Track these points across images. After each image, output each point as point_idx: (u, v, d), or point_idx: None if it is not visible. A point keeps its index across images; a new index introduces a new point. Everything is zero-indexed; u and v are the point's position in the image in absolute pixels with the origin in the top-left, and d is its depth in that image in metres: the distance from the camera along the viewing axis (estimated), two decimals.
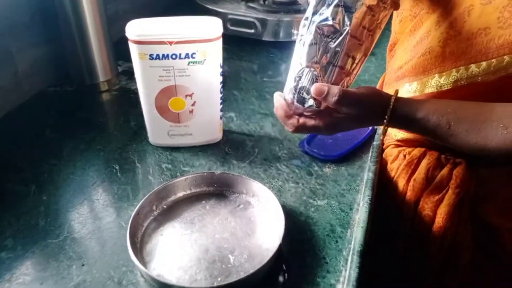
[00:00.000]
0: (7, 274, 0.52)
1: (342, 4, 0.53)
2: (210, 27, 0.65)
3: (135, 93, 0.88)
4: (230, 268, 0.52)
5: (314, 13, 0.56)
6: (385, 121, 0.57)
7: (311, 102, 0.58)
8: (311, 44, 0.56)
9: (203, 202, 0.62)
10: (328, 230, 0.58)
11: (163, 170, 0.68)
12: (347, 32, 0.54)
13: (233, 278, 0.50)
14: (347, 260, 0.54)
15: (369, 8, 0.54)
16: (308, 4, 0.59)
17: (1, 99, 0.80)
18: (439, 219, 0.66)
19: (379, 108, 0.57)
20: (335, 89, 0.55)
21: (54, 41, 0.88)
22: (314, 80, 0.57)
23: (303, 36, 0.57)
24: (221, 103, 0.71)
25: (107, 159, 0.70)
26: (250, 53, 1.06)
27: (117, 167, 0.68)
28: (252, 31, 1.05)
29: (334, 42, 0.55)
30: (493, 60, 0.56)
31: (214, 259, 0.53)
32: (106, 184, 0.65)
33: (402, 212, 0.70)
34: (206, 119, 0.72)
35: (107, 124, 0.80)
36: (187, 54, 0.64)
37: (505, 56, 0.55)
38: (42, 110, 0.83)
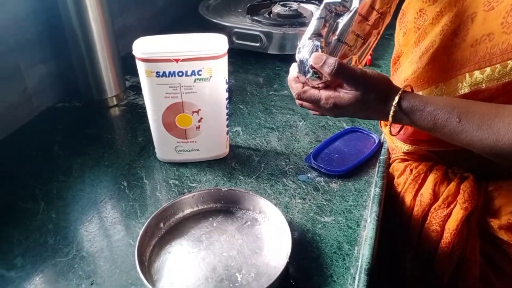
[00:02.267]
0: None
1: None
2: (215, 44, 0.65)
3: (142, 108, 0.89)
4: (238, 287, 0.52)
5: None
6: (392, 108, 0.56)
7: (311, 72, 0.59)
8: (318, 18, 0.59)
9: (210, 219, 0.62)
10: (335, 247, 0.58)
11: (171, 186, 0.69)
12: (355, 10, 0.57)
13: None
14: (354, 278, 0.54)
15: None
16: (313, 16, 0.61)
17: (11, 115, 0.81)
18: (447, 235, 0.66)
19: (386, 94, 0.57)
20: (332, 60, 0.56)
21: (62, 57, 0.89)
22: (314, 50, 0.59)
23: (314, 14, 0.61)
24: (227, 119, 0.72)
25: (115, 176, 0.71)
26: (255, 66, 1.06)
27: (125, 184, 0.69)
28: (258, 44, 1.06)
29: (343, 20, 0.58)
30: (497, 65, 0.56)
31: (221, 278, 0.53)
32: (115, 201, 0.66)
33: (410, 227, 0.70)
34: (213, 134, 0.72)
35: (115, 140, 0.80)
36: (193, 71, 0.65)
37: (509, 61, 0.55)
38: (51, 126, 0.84)
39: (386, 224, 0.68)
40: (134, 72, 0.97)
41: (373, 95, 0.57)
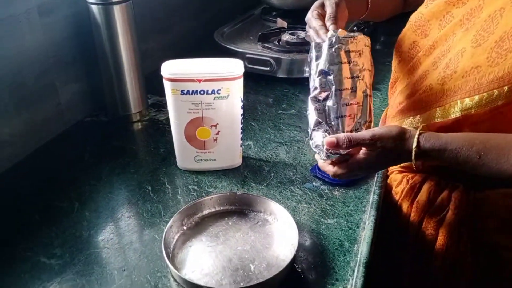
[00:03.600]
0: (58, 278, 0.60)
1: (322, 72, 0.66)
2: (233, 68, 0.75)
3: (163, 123, 0.98)
4: (251, 275, 0.60)
5: (310, 89, 0.69)
6: (413, 153, 0.60)
7: (331, 155, 0.65)
8: (309, 113, 0.68)
9: (226, 219, 0.70)
10: (337, 245, 0.65)
11: (190, 191, 0.77)
12: (335, 89, 0.65)
13: (254, 283, 0.58)
14: (353, 270, 0.61)
15: (344, 63, 0.66)
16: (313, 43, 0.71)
17: (46, 127, 0.91)
18: (441, 238, 0.73)
19: (403, 141, 0.61)
20: (342, 136, 0.62)
21: (92, 77, 0.99)
22: (323, 137, 0.65)
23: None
24: (241, 132, 0.81)
25: (140, 181, 0.79)
26: (266, 88, 1.16)
27: (150, 188, 0.77)
28: (268, 68, 1.16)
29: (330, 101, 0.66)
30: (484, 94, 0.65)
31: (237, 268, 0.61)
32: (140, 202, 0.74)
33: (408, 232, 0.77)
34: (228, 146, 0.81)
35: (139, 151, 0.89)
36: (213, 90, 0.74)
37: (495, 90, 0.64)
38: (81, 138, 0.93)
39: (386, 229, 0.76)
40: (155, 92, 1.08)
41: (391, 145, 0.61)
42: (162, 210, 0.72)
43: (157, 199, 0.75)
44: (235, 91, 0.75)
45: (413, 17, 0.78)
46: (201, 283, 0.58)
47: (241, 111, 0.78)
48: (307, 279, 0.60)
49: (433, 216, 0.75)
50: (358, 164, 0.65)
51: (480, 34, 0.66)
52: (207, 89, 0.74)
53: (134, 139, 0.94)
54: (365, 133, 0.63)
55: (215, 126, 0.78)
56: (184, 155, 0.81)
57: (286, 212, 0.67)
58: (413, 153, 0.61)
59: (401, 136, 0.62)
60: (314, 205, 0.74)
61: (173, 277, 0.60)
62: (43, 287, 0.59)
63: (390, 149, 0.62)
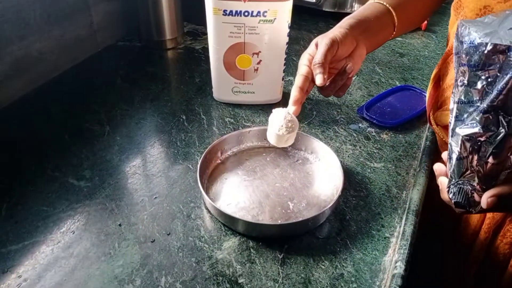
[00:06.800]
0: (86, 200, 0.57)
1: (494, 109, 0.43)
2: None
3: (199, 52, 0.92)
4: (290, 213, 0.55)
5: (457, 121, 0.46)
6: None
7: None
8: (458, 159, 0.47)
9: (264, 154, 0.65)
10: (384, 190, 0.60)
11: (226, 123, 0.72)
12: (504, 134, 0.43)
13: (293, 221, 0.54)
14: (401, 218, 0.56)
15: None
16: None
17: (78, 47, 0.86)
18: None
19: None
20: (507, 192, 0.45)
21: None
22: (470, 191, 0.47)
23: (450, 145, 0.47)
24: (284, 64, 0.74)
25: (174, 109, 0.74)
26: (309, 23, 1.07)
27: (184, 117, 0.73)
28: (314, 0, 1.06)
29: (490, 147, 0.44)
30: None
31: (274, 204, 0.56)
32: (174, 131, 0.70)
33: (477, 241, 0.64)
34: (269, 78, 0.74)
35: (173, 79, 0.84)
36: (258, 12, 0.67)
37: None
38: (113, 61, 0.88)
39: (451, 246, 0.67)
40: (191, 19, 1.01)
41: None
42: (197, 140, 0.68)
43: (192, 129, 0.70)
44: (283, 15, 0.68)
45: None
46: (237, 216, 0.54)
47: (287, 39, 0.71)
48: (349, 222, 0.55)
49: None
50: None
51: None
52: (252, 10, 0.66)
53: (168, 67, 0.89)
54: None
55: (257, 54, 0.71)
56: (222, 86, 0.75)
57: (331, 151, 0.62)
58: None
59: None
60: (360, 147, 0.68)
61: (206, 208, 0.56)
62: (71, 208, 0.56)
63: None
